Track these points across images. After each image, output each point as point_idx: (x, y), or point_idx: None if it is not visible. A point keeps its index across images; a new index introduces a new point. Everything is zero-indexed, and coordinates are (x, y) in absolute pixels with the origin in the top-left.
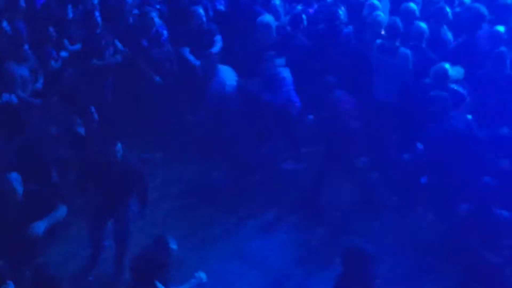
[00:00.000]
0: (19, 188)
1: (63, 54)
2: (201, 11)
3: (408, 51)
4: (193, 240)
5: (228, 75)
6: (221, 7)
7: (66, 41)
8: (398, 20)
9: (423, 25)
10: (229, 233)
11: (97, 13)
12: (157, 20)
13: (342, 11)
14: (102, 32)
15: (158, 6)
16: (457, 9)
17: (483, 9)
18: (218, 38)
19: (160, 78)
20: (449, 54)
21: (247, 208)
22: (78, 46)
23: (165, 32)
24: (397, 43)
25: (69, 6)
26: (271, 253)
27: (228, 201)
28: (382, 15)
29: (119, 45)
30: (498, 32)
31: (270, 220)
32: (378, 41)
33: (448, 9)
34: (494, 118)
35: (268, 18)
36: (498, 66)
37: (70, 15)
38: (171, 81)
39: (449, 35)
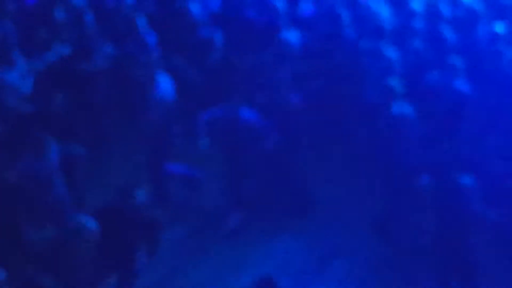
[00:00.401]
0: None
1: (52, 57)
2: (197, 11)
3: (396, 52)
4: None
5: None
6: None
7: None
8: (387, 20)
9: (420, 23)
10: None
11: (88, 16)
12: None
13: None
14: (93, 35)
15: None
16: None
17: (480, 7)
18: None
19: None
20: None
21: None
22: (67, 49)
23: (153, 38)
24: (385, 44)
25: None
26: None
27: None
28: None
29: (110, 49)
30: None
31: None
32: (366, 42)
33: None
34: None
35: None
36: (496, 64)
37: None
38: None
39: (447, 34)
